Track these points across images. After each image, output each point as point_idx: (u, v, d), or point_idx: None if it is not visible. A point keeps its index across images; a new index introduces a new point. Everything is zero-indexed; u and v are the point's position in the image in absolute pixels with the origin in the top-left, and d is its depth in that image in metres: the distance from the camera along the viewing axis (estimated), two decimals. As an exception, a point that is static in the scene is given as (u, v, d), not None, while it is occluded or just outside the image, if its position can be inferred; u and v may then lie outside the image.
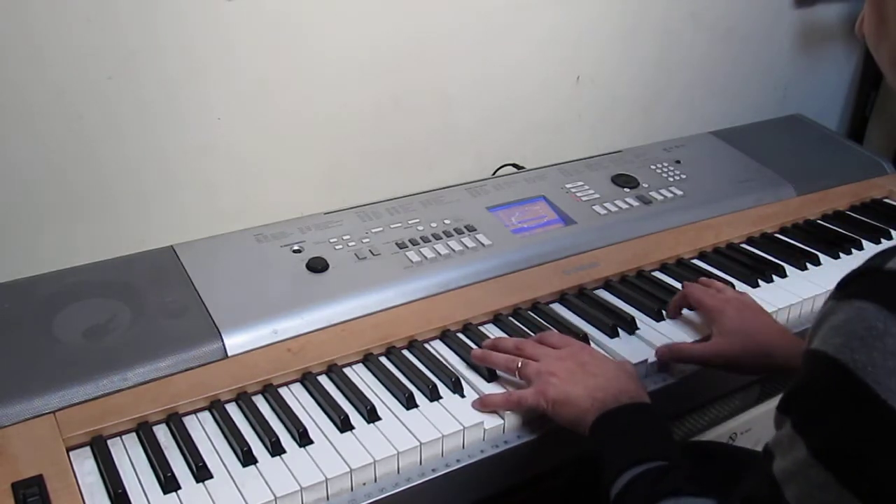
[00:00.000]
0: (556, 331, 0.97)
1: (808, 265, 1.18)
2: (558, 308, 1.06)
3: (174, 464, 0.78)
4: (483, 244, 1.13)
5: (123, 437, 0.83)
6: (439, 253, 1.10)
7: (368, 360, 0.94)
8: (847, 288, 0.54)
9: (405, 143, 1.41)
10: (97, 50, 1.08)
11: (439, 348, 0.97)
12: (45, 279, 0.98)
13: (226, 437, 0.82)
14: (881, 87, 2.00)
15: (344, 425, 0.83)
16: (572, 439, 0.80)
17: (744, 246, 1.24)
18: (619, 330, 1.00)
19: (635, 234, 1.21)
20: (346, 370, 0.93)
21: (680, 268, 1.16)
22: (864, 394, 0.49)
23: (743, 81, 1.82)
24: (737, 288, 1.09)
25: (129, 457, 0.80)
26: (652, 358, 0.95)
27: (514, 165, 1.46)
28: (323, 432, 0.83)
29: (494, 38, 1.42)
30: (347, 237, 1.10)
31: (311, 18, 1.23)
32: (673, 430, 1.04)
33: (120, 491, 0.74)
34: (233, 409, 0.86)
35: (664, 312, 1.04)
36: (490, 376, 0.91)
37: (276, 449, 0.80)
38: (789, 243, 1.25)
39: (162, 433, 0.83)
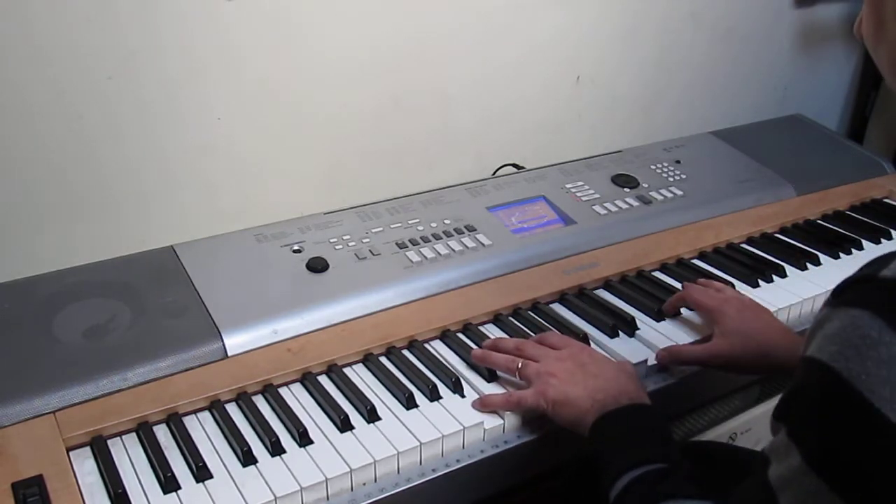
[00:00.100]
0: (556, 331, 0.97)
1: (808, 265, 1.18)
2: (558, 308, 1.06)
3: (174, 464, 0.78)
4: (483, 244, 1.13)
5: (123, 437, 0.83)
6: (439, 253, 1.10)
7: (368, 360, 0.94)
8: (842, 295, 0.54)
9: (405, 143, 1.41)
10: (97, 50, 1.08)
11: (439, 348, 0.97)
12: (45, 279, 0.98)
13: (226, 437, 0.82)
14: (881, 87, 2.00)
15: (344, 425, 0.83)
16: (572, 439, 0.80)
17: (744, 246, 1.24)
18: (619, 330, 1.00)
19: (635, 234, 1.21)
20: (346, 370, 0.93)
21: (680, 268, 1.16)
22: (858, 402, 0.49)
23: (743, 81, 1.82)
24: (737, 288, 1.09)
25: (129, 457, 0.80)
26: (652, 359, 0.95)
27: (514, 165, 1.46)
28: (323, 432, 0.83)
29: (494, 38, 1.42)
30: (347, 237, 1.10)
31: (311, 18, 1.23)
32: (673, 430, 1.04)
33: (120, 491, 0.74)
34: (233, 409, 0.86)
35: (662, 311, 1.04)
36: (490, 376, 0.91)
37: (276, 449, 0.80)
38: (789, 243, 1.24)
39: (162, 433, 0.83)
